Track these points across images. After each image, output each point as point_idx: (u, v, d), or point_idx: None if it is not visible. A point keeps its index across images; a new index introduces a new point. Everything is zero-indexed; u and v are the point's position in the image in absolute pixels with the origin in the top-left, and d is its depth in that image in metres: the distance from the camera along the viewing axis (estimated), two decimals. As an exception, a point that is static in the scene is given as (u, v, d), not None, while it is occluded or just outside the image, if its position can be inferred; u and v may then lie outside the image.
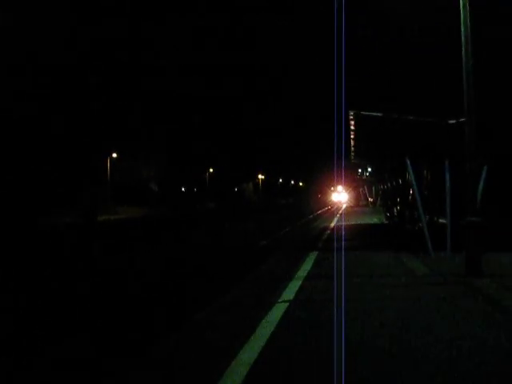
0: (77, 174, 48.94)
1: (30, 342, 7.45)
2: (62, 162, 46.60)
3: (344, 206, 64.68)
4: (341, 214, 39.28)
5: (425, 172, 16.32)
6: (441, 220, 15.23)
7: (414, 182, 13.63)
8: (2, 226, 30.21)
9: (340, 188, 74.97)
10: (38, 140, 42.93)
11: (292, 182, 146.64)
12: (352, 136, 18.18)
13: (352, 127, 16.67)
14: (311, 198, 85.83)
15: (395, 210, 22.38)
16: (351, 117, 15.64)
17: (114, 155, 59.97)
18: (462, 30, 9.75)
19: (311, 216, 38.72)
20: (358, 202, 67.98)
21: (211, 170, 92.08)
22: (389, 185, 25.15)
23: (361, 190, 65.98)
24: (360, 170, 61.54)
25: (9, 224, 31.80)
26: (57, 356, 6.66)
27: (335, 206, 64.64)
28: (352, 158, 24.28)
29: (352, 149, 21.70)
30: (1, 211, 34.35)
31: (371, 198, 57.81)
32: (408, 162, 13.28)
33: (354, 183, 66.27)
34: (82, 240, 23.57)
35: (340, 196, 76.53)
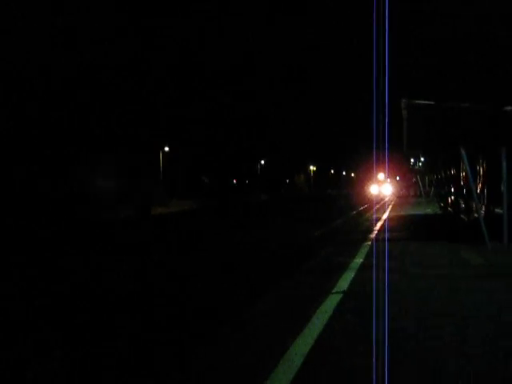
0: (130, 169, 49.80)
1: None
2: (115, 158, 47.48)
3: (387, 198, 55.66)
4: (393, 205, 38.84)
5: (480, 161, 16.01)
6: (497, 210, 14.93)
7: (469, 172, 13.38)
8: (58, 222, 31.00)
9: (382, 177, 63.43)
10: (92, 136, 43.84)
11: (344, 173, 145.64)
12: (404, 126, 17.95)
13: (404, 116, 16.44)
14: (362, 189, 79.75)
15: (449, 201, 22.03)
16: (403, 105, 15.43)
17: (166, 149, 60.72)
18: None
19: (362, 207, 38.36)
20: (409, 192, 66.90)
21: (263, 162, 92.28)
22: (442, 175, 24.74)
23: (413, 180, 64.99)
24: (412, 161, 60.61)
25: (61, 219, 32.58)
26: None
27: (380, 198, 56.29)
28: (404, 148, 23.97)
29: (404, 139, 21.42)
30: (56, 208, 35.25)
31: (424, 188, 56.90)
32: (463, 151, 13.03)
33: (405, 173, 65.33)
34: (138, 234, 23.95)
35: (381, 187, 64.06)
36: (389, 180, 68.28)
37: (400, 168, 61.63)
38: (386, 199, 52.68)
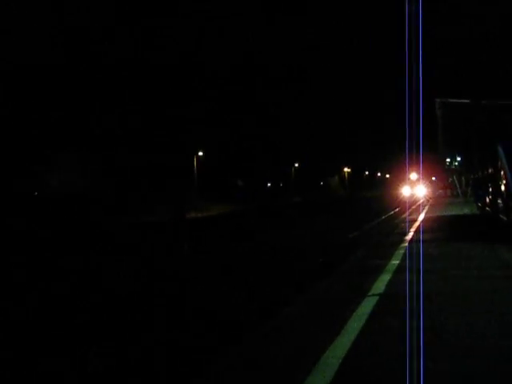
0: (165, 172, 50.20)
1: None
2: (150, 161, 47.92)
3: (421, 200, 50.92)
4: (429, 206, 38.37)
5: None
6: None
7: (507, 170, 13.10)
8: (93, 225, 31.44)
9: (414, 177, 57.69)
10: (132, 143, 44.34)
11: (379, 174, 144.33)
12: (438, 125, 17.74)
13: (439, 116, 16.25)
14: (396, 190, 76.99)
15: (487, 200, 21.64)
16: (438, 105, 15.24)
17: (200, 153, 61.15)
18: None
19: (397, 208, 37.96)
20: (446, 193, 65.78)
21: (296, 165, 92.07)
22: (480, 174, 24.32)
23: (450, 180, 64.07)
24: (448, 160, 59.72)
25: (97, 223, 33.03)
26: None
27: (414, 200, 52.45)
28: (440, 147, 23.66)
29: (439, 138, 21.17)
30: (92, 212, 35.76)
31: (460, 188, 56.06)
32: (500, 149, 12.78)
33: (440, 174, 64.14)
34: (172, 238, 24.14)
35: (415, 188, 58.61)
36: (422, 180, 61.48)
37: (435, 168, 60.69)
38: (420, 201, 47.61)
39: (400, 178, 73.89)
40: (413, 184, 60.31)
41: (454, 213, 28.16)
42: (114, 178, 43.28)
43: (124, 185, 43.68)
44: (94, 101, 40.44)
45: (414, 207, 38.09)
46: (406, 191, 57.35)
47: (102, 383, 6.33)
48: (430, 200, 51.04)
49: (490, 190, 20.28)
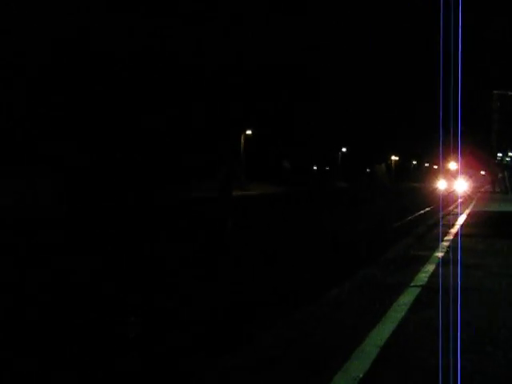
0: (214, 150, 50.55)
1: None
2: (201, 139, 48.32)
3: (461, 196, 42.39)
4: (476, 200, 37.64)
5: None
6: None
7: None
8: (144, 198, 32.01)
9: (453, 166, 50.83)
10: (178, 117, 44.72)
11: (426, 165, 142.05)
12: (494, 118, 17.38)
13: (495, 108, 15.93)
14: (433, 183, 73.24)
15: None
16: (495, 97, 14.94)
17: (249, 132, 61.00)
18: None
19: (443, 200, 37.23)
20: (493, 188, 64.19)
21: (344, 150, 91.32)
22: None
23: (500, 175, 62.67)
24: (500, 155, 58.45)
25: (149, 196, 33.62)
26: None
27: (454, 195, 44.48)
28: (493, 141, 23.20)
29: (494, 131, 20.74)
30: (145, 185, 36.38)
31: (510, 184, 54.79)
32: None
33: (489, 167, 62.48)
34: (218, 214, 24.46)
35: (455, 182, 52.14)
36: (464, 173, 53.79)
37: (485, 162, 59.32)
38: (460, 199, 37.32)
39: (447, 170, 63.96)
40: (451, 177, 53.72)
41: (501, 209, 27.63)
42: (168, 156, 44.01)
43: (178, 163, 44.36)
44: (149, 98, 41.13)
45: (460, 200, 37.26)
46: (441, 185, 51.61)
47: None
48: (476, 195, 48.32)
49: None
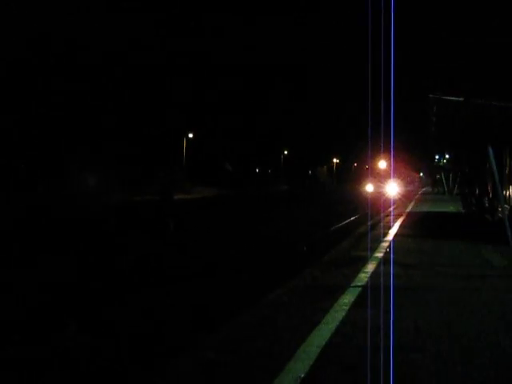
0: (154, 153, 50.09)
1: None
2: (141, 141, 47.80)
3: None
4: (416, 201, 38.50)
5: (507, 160, 15.78)
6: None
7: (495, 171, 13.12)
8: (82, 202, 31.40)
9: (383, 165, 43.78)
10: (120, 120, 44.15)
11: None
12: (430, 121, 17.78)
13: (431, 112, 16.28)
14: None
15: (473, 199, 21.79)
16: (431, 101, 15.27)
17: (190, 135, 60.74)
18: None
19: (384, 201, 37.75)
20: (433, 189, 65.89)
21: (286, 152, 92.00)
22: (467, 172, 24.46)
23: (437, 177, 64.32)
24: (437, 157, 59.84)
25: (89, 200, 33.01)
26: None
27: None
28: (430, 143, 23.73)
29: (430, 134, 21.21)
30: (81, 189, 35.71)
31: (447, 186, 56.32)
32: (490, 150, 12.81)
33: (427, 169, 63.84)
34: (158, 217, 24.22)
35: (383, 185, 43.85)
36: (398, 176, 45.26)
37: (423, 164, 60.74)
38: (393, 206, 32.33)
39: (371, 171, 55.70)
40: (382, 178, 43.57)
41: (439, 210, 28.30)
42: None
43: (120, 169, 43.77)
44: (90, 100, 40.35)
45: (401, 201, 37.95)
46: (369, 188, 42.87)
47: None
48: (418, 196, 48.72)
49: (477, 189, 20.41)
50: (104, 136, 43.05)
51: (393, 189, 37.85)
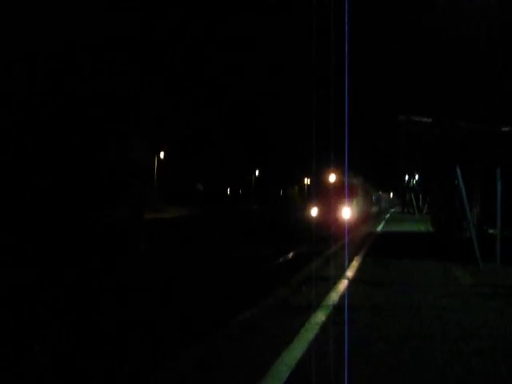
0: (125, 172, 49.66)
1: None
2: (111, 160, 47.37)
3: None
4: (386, 220, 38.81)
5: (475, 180, 15.98)
6: (490, 230, 14.90)
7: (463, 191, 13.27)
8: (53, 220, 30.87)
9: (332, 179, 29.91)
10: (89, 137, 43.70)
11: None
12: (399, 141, 17.99)
13: (400, 132, 16.48)
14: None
15: (442, 218, 22.02)
16: (400, 121, 15.46)
17: (162, 155, 60.49)
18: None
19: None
20: (403, 209, 66.40)
21: (257, 173, 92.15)
22: (436, 192, 24.75)
23: (407, 196, 65.02)
24: (407, 177, 60.60)
25: (60, 218, 32.47)
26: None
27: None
28: (399, 165, 24.02)
29: (399, 154, 21.47)
30: (51, 207, 35.07)
31: (417, 206, 56.96)
32: (458, 170, 12.98)
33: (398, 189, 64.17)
34: (129, 235, 24.04)
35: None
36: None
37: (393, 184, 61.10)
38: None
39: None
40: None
41: (409, 229, 28.54)
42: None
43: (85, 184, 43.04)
44: None
45: (372, 220, 38.12)
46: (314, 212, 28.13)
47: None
48: (389, 215, 48.33)
49: (446, 209, 20.63)
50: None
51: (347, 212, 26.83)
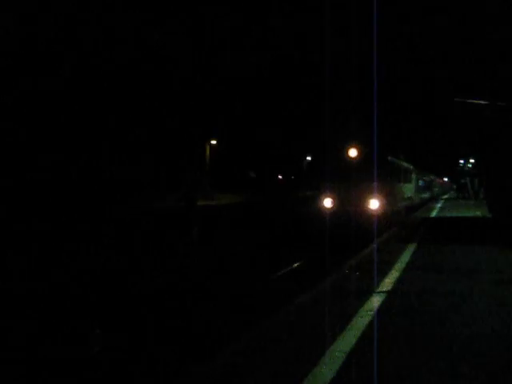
0: (178, 160, 50.25)
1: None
2: (165, 148, 47.99)
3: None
4: (440, 207, 38.12)
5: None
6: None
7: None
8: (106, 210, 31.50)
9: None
10: (142, 126, 44.33)
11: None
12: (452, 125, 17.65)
13: (455, 116, 16.18)
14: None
15: (500, 203, 21.52)
16: (455, 104, 15.18)
17: (213, 142, 60.84)
18: None
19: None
20: (458, 194, 64.46)
21: (309, 158, 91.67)
22: (493, 176, 24.18)
23: (462, 180, 63.60)
24: (462, 161, 59.47)
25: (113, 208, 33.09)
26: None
27: None
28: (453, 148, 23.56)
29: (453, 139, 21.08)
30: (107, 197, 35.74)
31: (473, 190, 55.70)
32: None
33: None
34: (183, 223, 24.29)
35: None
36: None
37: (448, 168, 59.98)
38: None
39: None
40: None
41: (465, 214, 27.91)
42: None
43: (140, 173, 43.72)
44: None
45: (427, 205, 37.44)
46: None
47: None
48: (445, 199, 46.90)
49: (505, 193, 20.16)
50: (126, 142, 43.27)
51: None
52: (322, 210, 18.71)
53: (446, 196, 68.20)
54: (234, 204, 44.74)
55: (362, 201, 18.09)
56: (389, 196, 19.82)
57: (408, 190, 27.63)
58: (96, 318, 8.32)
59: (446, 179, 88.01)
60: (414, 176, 30.93)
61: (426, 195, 44.36)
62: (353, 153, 19.02)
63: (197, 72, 48.78)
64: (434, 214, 29.35)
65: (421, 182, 38.31)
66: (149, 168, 45.21)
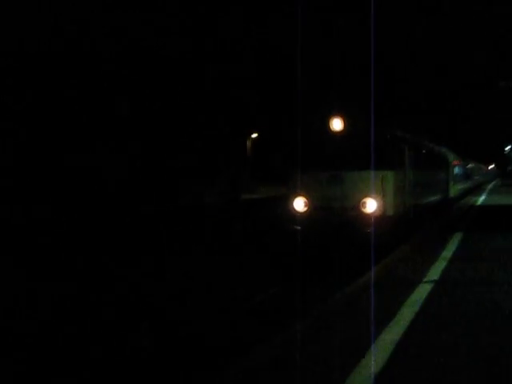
0: (218, 153, 50.27)
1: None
2: (205, 143, 48.05)
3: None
4: (488, 192, 37.13)
5: None
6: None
7: None
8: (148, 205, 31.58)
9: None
10: (181, 122, 44.44)
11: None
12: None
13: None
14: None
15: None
16: (500, 88, 14.86)
17: (254, 135, 60.77)
18: None
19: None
20: (504, 181, 61.49)
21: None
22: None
23: (508, 168, 62.05)
24: (509, 148, 58.01)
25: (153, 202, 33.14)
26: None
27: None
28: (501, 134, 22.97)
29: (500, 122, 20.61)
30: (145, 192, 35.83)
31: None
32: None
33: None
34: (226, 219, 24.20)
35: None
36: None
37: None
38: None
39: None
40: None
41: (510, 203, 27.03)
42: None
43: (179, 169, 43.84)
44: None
45: (473, 192, 36.25)
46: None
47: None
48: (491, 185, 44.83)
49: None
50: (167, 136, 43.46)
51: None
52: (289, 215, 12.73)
53: (490, 186, 58.86)
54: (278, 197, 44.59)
55: (354, 200, 11.87)
56: (400, 191, 13.13)
57: (438, 180, 21.88)
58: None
59: (490, 166, 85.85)
60: (448, 161, 25.36)
61: (464, 185, 37.17)
62: (338, 125, 12.30)
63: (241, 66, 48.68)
64: (479, 200, 28.20)
65: (458, 169, 31.63)
66: (193, 162, 45.33)
